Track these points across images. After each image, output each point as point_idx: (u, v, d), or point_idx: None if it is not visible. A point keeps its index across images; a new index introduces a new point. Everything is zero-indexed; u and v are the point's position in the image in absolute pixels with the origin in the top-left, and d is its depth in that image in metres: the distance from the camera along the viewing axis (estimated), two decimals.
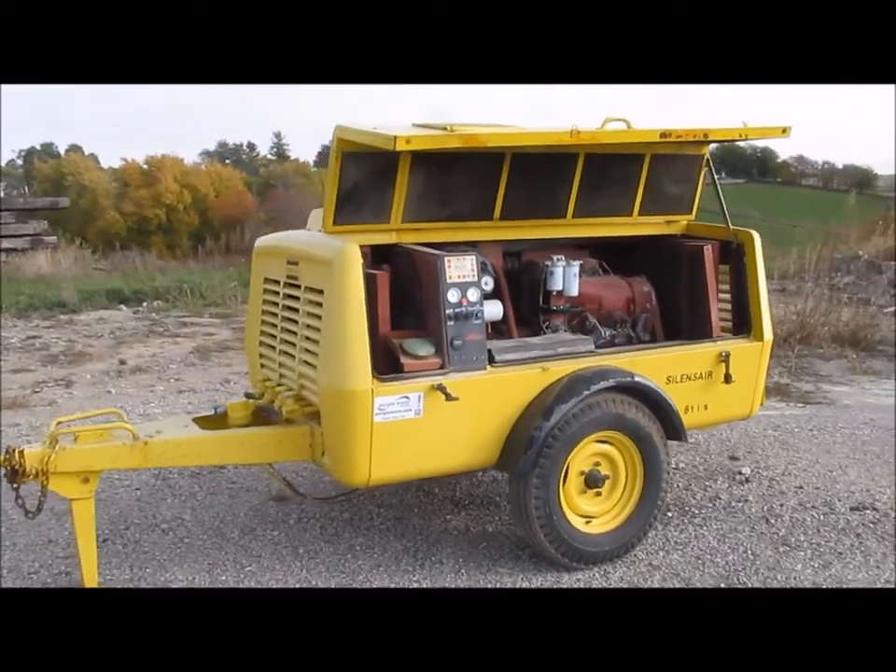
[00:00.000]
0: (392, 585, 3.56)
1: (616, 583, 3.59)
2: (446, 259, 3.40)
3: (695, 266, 4.14)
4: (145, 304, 11.06)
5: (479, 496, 4.52)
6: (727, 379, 4.01)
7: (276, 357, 3.86)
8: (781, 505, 4.39)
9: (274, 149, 67.35)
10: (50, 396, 6.72)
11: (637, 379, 3.67)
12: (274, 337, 3.92)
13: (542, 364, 3.59)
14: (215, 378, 7.36)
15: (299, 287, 3.66)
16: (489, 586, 3.56)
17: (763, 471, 4.91)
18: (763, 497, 4.51)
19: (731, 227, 4.22)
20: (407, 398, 3.30)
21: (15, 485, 3.31)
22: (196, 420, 3.71)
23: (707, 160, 4.31)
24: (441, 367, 3.38)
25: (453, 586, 3.56)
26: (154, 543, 3.98)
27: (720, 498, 4.49)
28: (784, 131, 3.88)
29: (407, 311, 3.57)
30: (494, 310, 3.66)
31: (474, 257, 3.47)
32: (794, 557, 3.81)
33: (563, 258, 3.96)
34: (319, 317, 3.45)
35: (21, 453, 3.25)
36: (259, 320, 4.08)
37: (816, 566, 3.72)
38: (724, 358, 4.00)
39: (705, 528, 4.11)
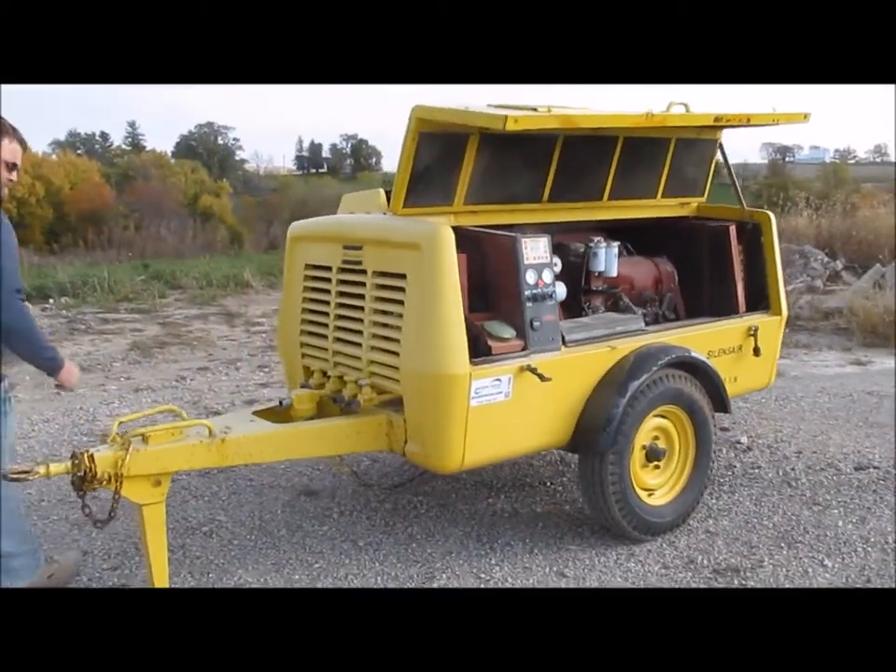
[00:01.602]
0: (473, 571, 3.54)
1: (682, 550, 3.71)
2: (523, 240, 3.40)
3: (719, 246, 4.31)
4: (52, 301, 10.37)
5: (506, 478, 4.55)
6: (756, 352, 4.21)
7: (329, 346, 3.74)
8: (793, 469, 4.65)
9: (129, 139, 64.22)
10: None
11: (693, 354, 3.80)
12: (324, 325, 3.80)
13: (609, 343, 3.65)
14: (168, 375, 7.03)
15: (363, 272, 3.56)
16: (563, 564, 3.59)
17: (757, 440, 5.18)
18: (771, 463, 4.76)
19: (746, 208, 4.42)
20: (499, 380, 3.28)
21: (82, 492, 3.08)
22: (259, 414, 3.55)
23: (721, 144, 4.48)
24: (524, 349, 3.38)
25: (530, 566, 3.58)
26: (203, 547, 3.79)
27: (734, 467, 4.70)
28: (805, 116, 4.10)
29: (472, 294, 3.55)
30: (560, 291, 3.69)
31: (548, 238, 3.49)
32: (830, 515, 4.05)
33: (601, 239, 4.04)
34: (397, 302, 3.38)
35: (92, 457, 3.01)
36: (300, 308, 3.93)
37: (854, 521, 3.98)
38: (753, 333, 4.20)
39: (737, 494, 4.31)
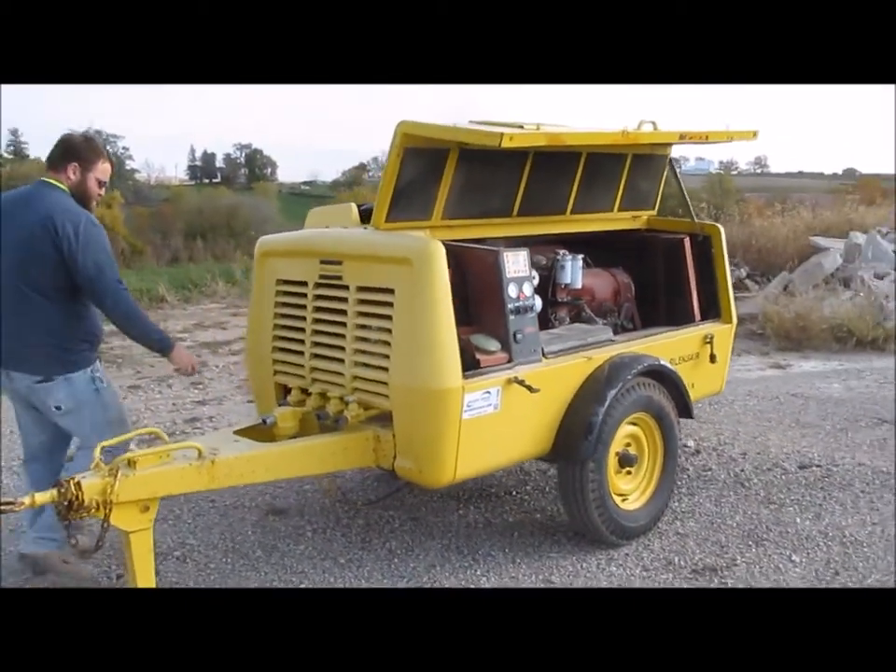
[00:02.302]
0: (463, 583, 3.56)
1: (657, 552, 3.82)
2: (505, 254, 3.45)
3: (674, 257, 4.48)
4: None
5: (471, 490, 4.58)
6: (713, 359, 4.39)
7: (306, 362, 3.70)
8: (742, 470, 4.86)
9: (11, 147, 61.17)
10: None
11: (662, 363, 3.93)
12: (300, 342, 3.75)
13: (585, 353, 3.74)
14: None
15: (343, 287, 3.54)
16: (548, 572, 3.65)
17: (702, 443, 5.38)
18: (721, 465, 4.96)
19: (696, 221, 4.61)
20: (489, 393, 3.32)
21: (67, 521, 2.96)
22: (241, 433, 3.48)
23: (671, 160, 4.66)
24: (509, 361, 3.43)
25: (516, 576, 3.62)
26: (179, 573, 3.67)
27: (688, 470, 4.87)
28: (754, 134, 4.32)
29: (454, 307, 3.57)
30: (538, 303, 3.76)
31: (527, 252, 3.55)
32: (787, 513, 4.24)
33: (566, 252, 4.14)
34: (384, 317, 3.37)
35: (79, 484, 2.89)
36: (272, 325, 3.87)
37: (810, 517, 4.18)
38: (709, 340, 4.38)
39: (697, 497, 4.47)
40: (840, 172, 75.14)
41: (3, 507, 2.81)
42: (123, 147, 65.31)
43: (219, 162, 78.57)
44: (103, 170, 3.44)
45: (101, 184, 3.46)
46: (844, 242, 10.80)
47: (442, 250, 3.22)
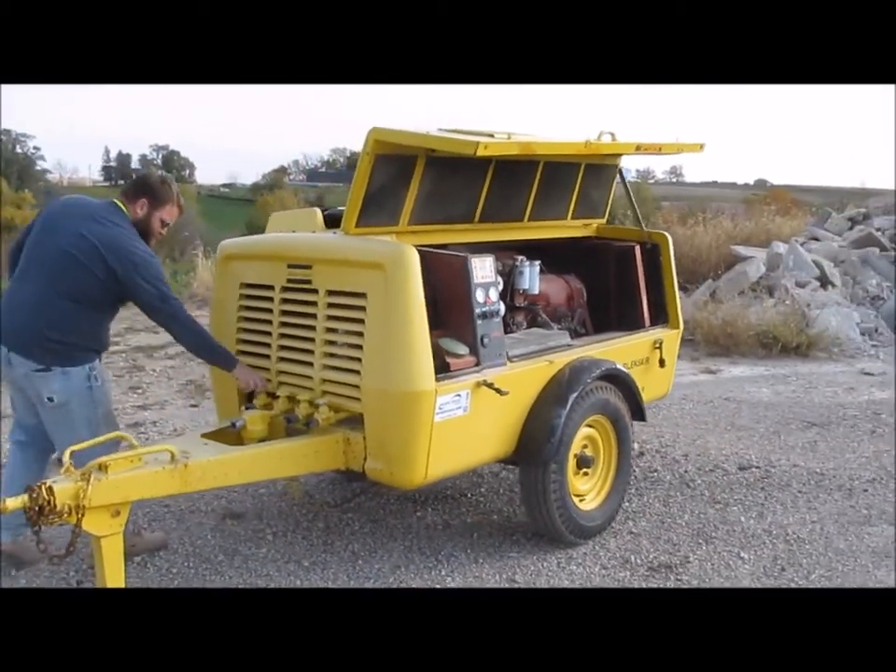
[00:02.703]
0: (429, 584, 3.61)
1: (614, 551, 3.94)
2: (473, 260, 3.52)
3: (625, 264, 4.62)
4: None
5: (427, 492, 4.63)
6: (662, 363, 4.55)
7: (273, 366, 3.70)
8: (686, 471, 5.04)
9: None
10: None
11: (618, 367, 4.06)
12: (266, 345, 3.75)
13: (547, 357, 3.84)
14: None
15: (312, 290, 3.56)
16: (511, 572, 3.73)
17: (645, 445, 5.55)
18: (665, 466, 5.14)
19: (645, 229, 4.77)
20: (459, 395, 3.39)
21: (37, 527, 2.90)
22: (209, 436, 3.46)
23: (620, 170, 4.81)
24: (477, 364, 3.50)
25: (480, 575, 3.69)
26: (140, 578, 3.62)
27: (634, 471, 5.01)
28: (701, 147, 4.50)
29: None
30: (502, 308, 3.84)
31: (493, 258, 3.64)
32: (732, 512, 4.43)
33: (525, 259, 4.24)
34: (356, 321, 3.41)
35: (50, 489, 2.84)
36: (236, 328, 3.85)
37: (753, 516, 4.37)
38: (659, 345, 4.53)
39: (645, 497, 4.62)
40: (752, 182, 77.78)
41: None
42: (34, 147, 63.51)
43: (135, 164, 76.74)
44: (170, 212, 3.60)
45: (164, 224, 3.61)
46: (765, 251, 11.22)
47: (416, 255, 3.27)
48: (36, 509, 2.83)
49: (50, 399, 3.40)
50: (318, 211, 3.92)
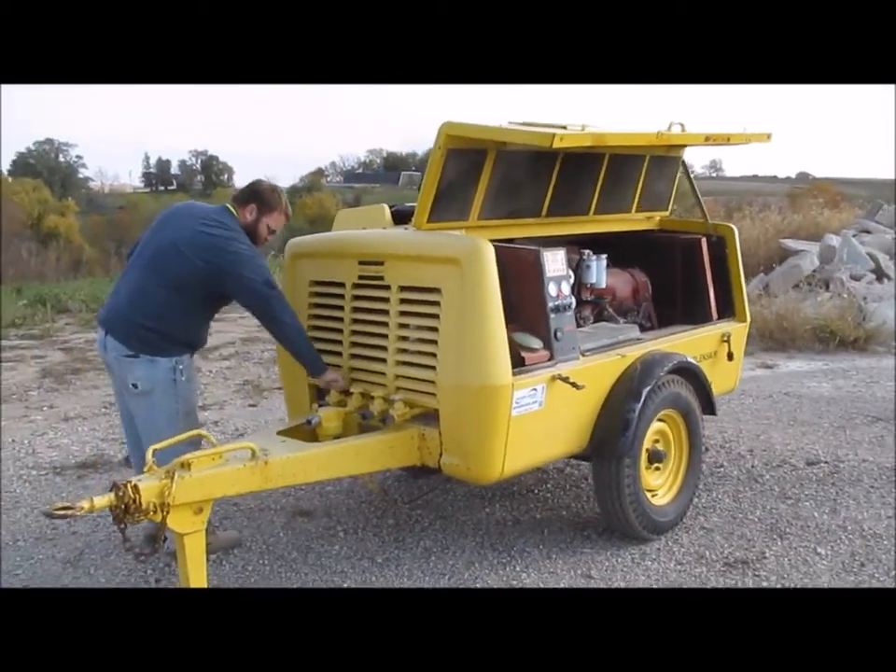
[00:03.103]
0: (504, 579, 3.59)
1: (687, 547, 3.90)
2: (545, 253, 3.50)
3: (691, 257, 4.57)
4: None
5: (493, 488, 4.61)
6: (730, 357, 4.49)
7: (345, 363, 3.71)
8: (753, 467, 4.97)
9: None
10: None
11: (689, 360, 4.01)
12: (337, 342, 3.76)
13: (619, 351, 3.81)
14: (92, 403, 6.69)
15: (385, 287, 3.56)
16: (585, 567, 3.70)
17: (709, 441, 5.47)
18: (731, 462, 5.07)
19: (710, 221, 4.71)
20: (535, 390, 3.37)
21: (123, 525, 2.93)
22: (286, 433, 3.48)
23: (683, 161, 4.76)
24: (550, 358, 3.48)
25: (555, 571, 3.67)
26: (218, 576, 3.66)
27: (701, 467, 4.97)
28: (768, 136, 4.43)
29: None
30: (574, 302, 3.81)
31: (564, 251, 3.61)
32: (804, 508, 4.35)
33: (591, 252, 4.21)
34: (430, 316, 3.41)
35: (136, 487, 2.87)
36: (306, 326, 3.86)
37: (826, 512, 4.30)
38: (727, 339, 4.48)
39: (715, 493, 4.56)
40: (794, 175, 76.57)
41: (60, 512, 2.79)
42: (77, 156, 64.59)
43: (174, 169, 77.72)
44: (276, 219, 3.72)
45: (270, 230, 3.73)
46: (817, 244, 11.05)
47: (492, 250, 3.27)
48: (122, 507, 2.86)
49: (135, 386, 3.50)
50: (387, 207, 3.93)
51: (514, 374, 3.29)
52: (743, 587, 3.53)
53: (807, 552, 3.85)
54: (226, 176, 74.60)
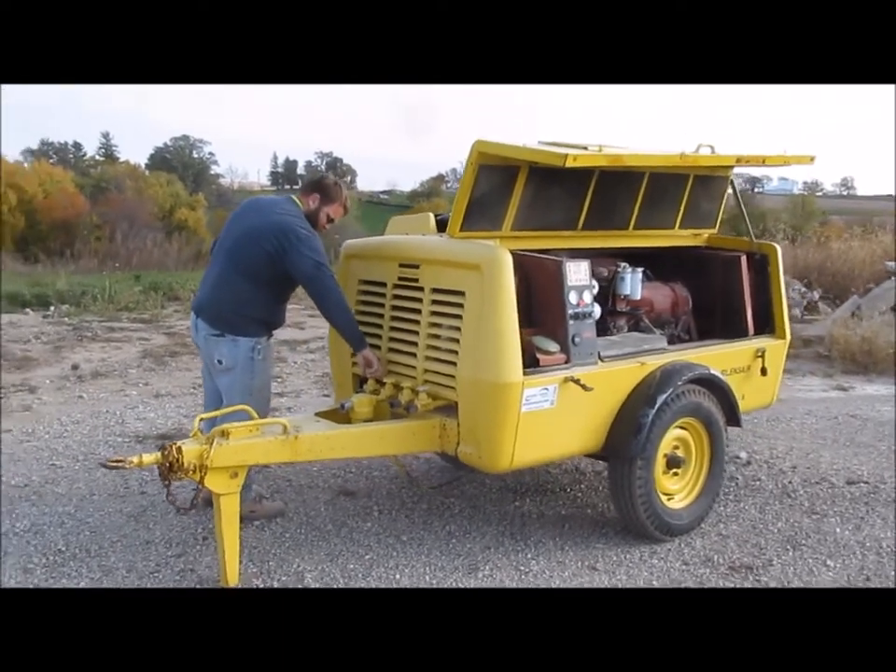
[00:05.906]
0: (512, 564, 3.87)
1: (698, 550, 4.07)
2: (568, 264, 3.76)
3: (731, 274, 4.71)
4: (52, 309, 10.55)
5: (528, 484, 4.88)
6: (763, 372, 4.61)
7: (383, 356, 4.07)
8: (790, 482, 5.05)
9: (103, 150, 63.88)
10: (19, 401, 6.44)
11: (712, 372, 4.18)
12: (378, 336, 4.12)
13: (639, 359, 4.02)
14: (183, 383, 7.29)
15: (419, 288, 3.90)
16: (593, 560, 3.93)
17: (755, 456, 5.57)
18: (770, 476, 5.16)
19: (754, 240, 4.84)
20: (546, 389, 3.63)
21: (167, 481, 3.36)
22: (321, 415, 3.87)
23: (731, 180, 4.90)
24: (567, 362, 3.73)
25: (563, 560, 3.92)
26: (258, 539, 4.07)
27: (737, 479, 5.09)
28: (811, 159, 4.54)
29: (518, 310, 3.89)
30: (596, 311, 4.06)
31: (588, 262, 3.86)
32: (828, 523, 4.44)
33: (627, 265, 4.42)
34: (455, 316, 3.72)
35: (179, 449, 3.31)
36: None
37: (850, 528, 4.37)
38: (761, 354, 4.60)
39: (742, 503, 4.69)
40: None
41: (113, 464, 3.26)
42: (210, 153, 67.72)
43: (300, 170, 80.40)
44: (336, 210, 4.17)
45: (329, 219, 4.16)
46: None
47: (509, 258, 3.55)
48: (167, 465, 3.31)
49: (220, 362, 3.98)
50: (431, 216, 4.27)
51: (526, 374, 3.57)
52: (738, 588, 3.68)
53: (816, 563, 3.96)
54: (349, 178, 76.64)
